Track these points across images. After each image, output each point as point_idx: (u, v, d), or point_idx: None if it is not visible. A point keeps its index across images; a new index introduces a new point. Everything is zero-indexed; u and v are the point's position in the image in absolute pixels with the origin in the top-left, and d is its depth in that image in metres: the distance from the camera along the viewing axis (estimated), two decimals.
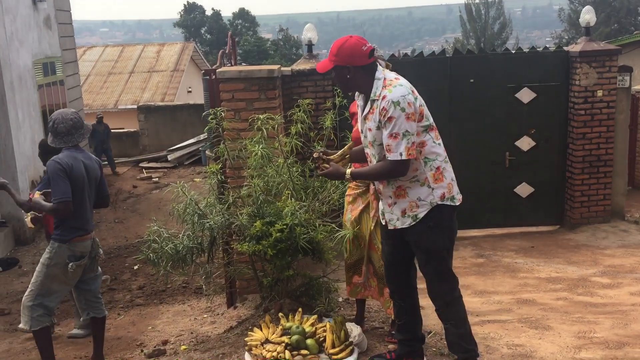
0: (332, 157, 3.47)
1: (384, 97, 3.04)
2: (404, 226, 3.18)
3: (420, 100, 3.14)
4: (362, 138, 3.28)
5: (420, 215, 3.13)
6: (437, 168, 3.14)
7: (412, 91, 3.11)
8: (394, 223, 3.23)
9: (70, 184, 3.98)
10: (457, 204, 3.21)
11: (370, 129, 3.14)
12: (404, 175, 3.10)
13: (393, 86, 3.06)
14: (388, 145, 3.03)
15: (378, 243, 3.83)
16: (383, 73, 3.15)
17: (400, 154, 3.00)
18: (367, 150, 3.28)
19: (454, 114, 7.66)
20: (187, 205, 4.13)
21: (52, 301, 4.15)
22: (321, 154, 3.40)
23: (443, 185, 3.15)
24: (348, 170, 3.25)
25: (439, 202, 3.13)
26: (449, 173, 3.20)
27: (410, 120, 3.02)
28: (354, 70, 3.11)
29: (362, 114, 3.22)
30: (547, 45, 8.76)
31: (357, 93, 3.33)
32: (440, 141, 3.20)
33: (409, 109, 3.01)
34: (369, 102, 3.13)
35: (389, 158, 3.04)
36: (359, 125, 3.34)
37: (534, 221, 8.11)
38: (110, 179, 13.76)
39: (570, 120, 7.84)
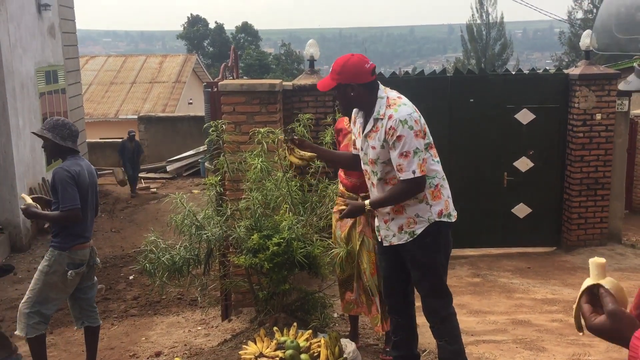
0: (303, 153, 3.44)
1: (390, 117, 3.05)
2: (400, 242, 3.19)
3: (422, 119, 3.17)
4: (362, 155, 3.29)
5: (418, 232, 3.14)
6: (436, 185, 3.16)
7: (416, 110, 3.14)
8: (389, 239, 3.23)
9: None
10: (453, 220, 3.23)
11: (373, 147, 3.15)
12: (422, 192, 3.11)
13: (398, 105, 3.09)
14: (399, 165, 3.04)
15: (364, 261, 3.85)
16: (385, 92, 3.17)
17: (414, 172, 3.02)
18: (365, 167, 3.29)
19: (454, 133, 7.70)
20: (185, 216, 4.14)
21: (49, 309, 4.14)
22: (296, 141, 3.41)
23: (441, 202, 3.17)
24: (366, 202, 3.23)
25: (437, 219, 3.14)
26: (446, 190, 3.23)
27: (419, 138, 3.05)
28: (357, 88, 3.12)
29: (363, 132, 3.23)
30: (547, 68, 8.83)
31: (355, 110, 3.35)
32: (438, 159, 3.23)
33: (417, 126, 3.04)
34: (372, 120, 3.14)
35: (401, 178, 3.05)
36: (357, 142, 3.35)
37: (531, 242, 8.11)
38: (109, 188, 13.76)
39: (568, 142, 7.88)
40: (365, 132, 3.20)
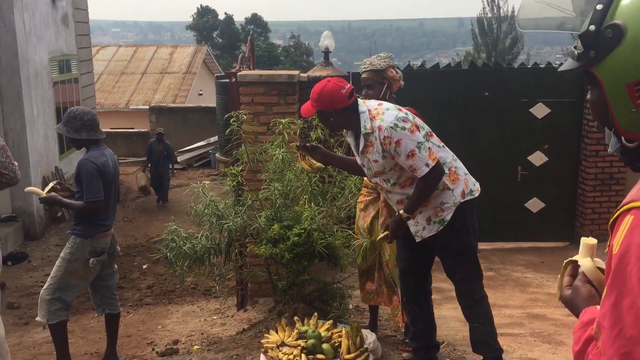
0: (313, 162, 3.47)
1: (379, 128, 3.08)
2: (431, 234, 3.21)
3: (409, 113, 3.20)
4: (366, 170, 3.31)
5: (447, 218, 3.17)
6: (450, 169, 3.20)
7: (399, 109, 3.17)
8: (420, 234, 3.25)
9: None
10: (477, 194, 3.27)
11: (375, 161, 3.17)
12: (444, 174, 3.13)
13: (382, 113, 3.12)
14: (411, 166, 3.07)
15: (386, 253, 3.87)
16: (365, 105, 3.20)
17: (427, 165, 3.04)
18: (375, 180, 3.31)
19: (468, 126, 7.68)
20: (206, 205, 4.16)
21: (69, 296, 4.18)
22: (308, 147, 3.43)
23: (460, 183, 3.21)
24: (401, 212, 3.20)
25: (462, 200, 3.18)
26: (461, 169, 3.27)
27: (415, 132, 3.09)
28: (336, 114, 3.16)
29: (358, 150, 3.25)
30: (560, 62, 8.78)
31: (344, 131, 3.37)
32: (442, 144, 3.28)
33: (407, 124, 3.08)
34: (362, 137, 3.17)
35: (419, 176, 3.07)
36: (357, 160, 3.37)
37: (544, 236, 8.10)
38: (120, 178, 13.80)
39: (583, 137, 7.84)
40: (361, 149, 3.22)
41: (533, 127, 7.81)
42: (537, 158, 7.88)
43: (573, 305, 1.34)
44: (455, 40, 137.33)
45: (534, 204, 7.97)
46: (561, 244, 8.07)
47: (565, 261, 1.44)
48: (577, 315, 1.31)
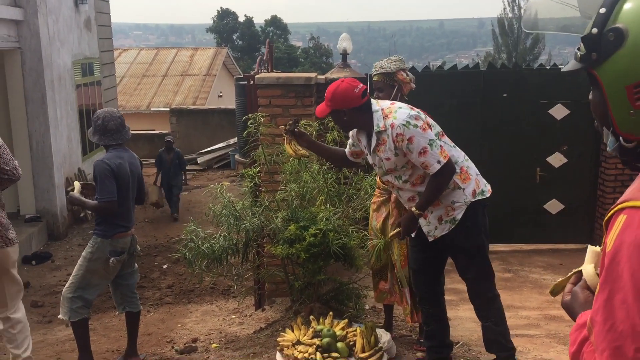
0: (298, 147, 3.56)
1: (392, 126, 3.14)
2: (443, 233, 3.25)
3: (421, 112, 3.26)
4: (377, 169, 3.37)
5: (459, 217, 3.21)
6: (461, 169, 3.25)
7: (412, 108, 3.24)
8: (433, 233, 3.30)
9: (115, 184, 4.13)
10: (488, 195, 3.31)
11: (387, 159, 3.23)
12: (455, 172, 3.19)
13: (394, 112, 3.19)
14: (423, 163, 3.12)
15: (395, 253, 3.92)
16: (378, 104, 3.27)
17: (439, 162, 3.09)
18: (386, 178, 3.35)
19: (486, 128, 7.66)
20: (224, 206, 4.24)
21: (91, 294, 4.28)
22: (296, 132, 3.51)
23: (471, 182, 3.26)
24: (413, 209, 3.26)
25: (472, 200, 3.22)
26: (473, 169, 3.31)
27: (427, 130, 3.14)
28: (349, 113, 3.23)
29: (370, 149, 3.30)
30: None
31: (355, 131, 3.43)
32: (453, 144, 3.33)
33: (419, 122, 3.14)
34: (374, 135, 3.23)
35: (430, 173, 3.12)
36: (368, 158, 3.43)
37: (563, 238, 8.04)
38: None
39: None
40: (372, 147, 3.27)
41: (552, 129, 7.76)
42: (556, 159, 7.84)
43: (571, 311, 1.38)
44: (475, 40, 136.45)
45: (553, 206, 7.92)
46: (580, 245, 8.00)
47: (573, 270, 1.48)
48: (574, 319, 1.35)
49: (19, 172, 3.88)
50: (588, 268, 1.41)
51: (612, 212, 1.18)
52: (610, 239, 1.14)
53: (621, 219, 1.13)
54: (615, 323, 1.08)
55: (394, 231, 3.37)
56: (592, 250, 1.45)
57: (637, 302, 1.05)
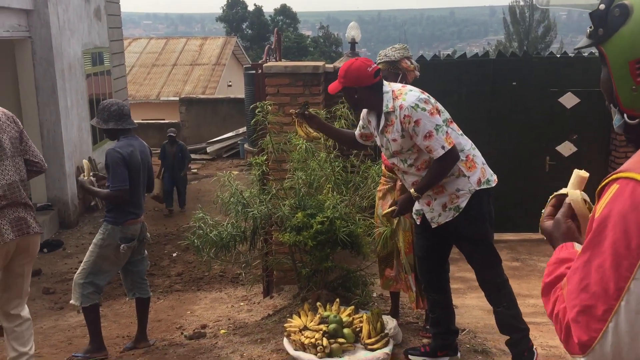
0: (310, 130, 3.62)
1: (401, 107, 3.16)
2: (447, 220, 3.27)
3: (432, 98, 3.27)
4: (384, 150, 3.38)
5: (462, 205, 3.22)
6: (467, 157, 3.25)
7: (422, 92, 3.25)
8: (436, 220, 3.31)
9: (127, 172, 4.17)
10: (494, 185, 3.32)
11: (394, 140, 3.24)
12: (459, 159, 3.20)
13: (404, 94, 3.20)
14: (427, 147, 3.13)
15: (400, 240, 3.94)
16: (389, 86, 3.29)
17: (443, 147, 3.11)
18: (392, 160, 3.37)
19: (496, 116, 7.64)
20: (232, 194, 4.27)
21: (102, 280, 4.35)
22: (307, 115, 3.57)
23: (477, 171, 3.26)
24: (411, 190, 3.29)
25: (477, 188, 3.23)
26: (479, 158, 3.32)
27: (435, 115, 3.15)
28: (361, 91, 3.25)
29: (378, 129, 3.32)
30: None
31: (365, 111, 3.46)
32: (461, 132, 3.33)
33: (428, 106, 3.15)
34: (383, 116, 3.25)
35: (434, 157, 3.14)
36: (376, 140, 3.45)
37: None
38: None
39: (613, 126, 7.74)
40: (381, 128, 3.29)
41: (562, 117, 7.72)
42: (566, 148, 7.80)
43: (551, 238, 1.42)
44: (487, 29, 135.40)
45: None
46: None
47: (553, 194, 1.48)
48: (554, 247, 1.39)
49: (45, 165, 3.91)
50: (575, 193, 1.41)
51: (606, 181, 1.21)
52: (600, 206, 1.18)
53: (613, 188, 1.17)
54: (590, 284, 1.14)
55: (389, 209, 3.41)
56: (578, 174, 1.46)
57: (613, 269, 1.11)
